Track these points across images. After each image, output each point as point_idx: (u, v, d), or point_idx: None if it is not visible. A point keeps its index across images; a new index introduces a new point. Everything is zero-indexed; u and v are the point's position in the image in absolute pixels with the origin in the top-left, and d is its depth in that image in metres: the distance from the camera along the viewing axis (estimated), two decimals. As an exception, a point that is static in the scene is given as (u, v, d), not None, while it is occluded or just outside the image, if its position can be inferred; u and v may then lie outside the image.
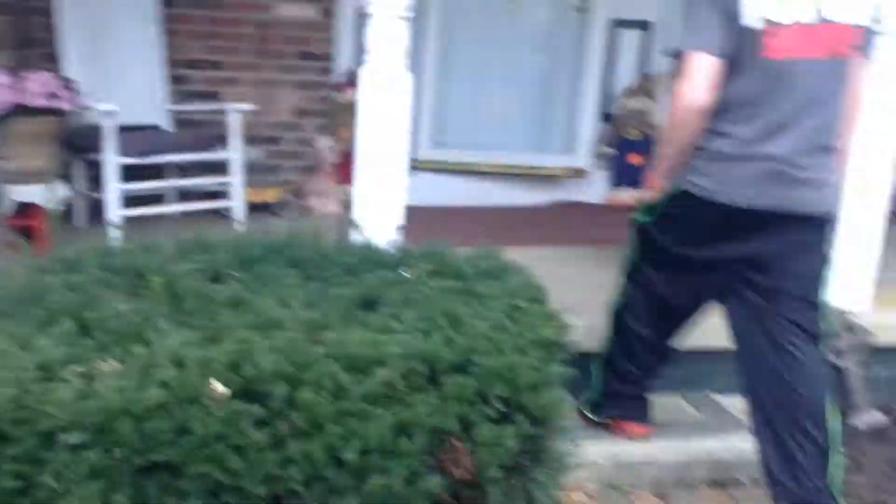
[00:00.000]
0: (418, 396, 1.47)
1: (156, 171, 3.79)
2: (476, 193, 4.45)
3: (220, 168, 3.93)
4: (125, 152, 3.35)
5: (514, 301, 1.77)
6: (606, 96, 4.70)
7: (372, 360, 1.50)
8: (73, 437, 1.26)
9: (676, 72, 2.06)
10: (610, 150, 4.64)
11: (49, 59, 3.81)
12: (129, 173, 3.39)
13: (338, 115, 4.33)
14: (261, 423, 1.40)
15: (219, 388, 1.40)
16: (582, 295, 2.40)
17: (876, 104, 2.43)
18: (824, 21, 1.84)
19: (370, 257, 2.07)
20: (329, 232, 2.31)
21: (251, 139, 4.00)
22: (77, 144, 3.41)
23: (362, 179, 2.46)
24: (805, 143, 1.92)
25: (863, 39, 1.91)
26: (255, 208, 3.87)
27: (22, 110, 3.03)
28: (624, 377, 2.36)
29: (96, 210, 3.47)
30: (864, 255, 2.70)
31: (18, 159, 2.88)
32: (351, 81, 4.35)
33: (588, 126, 4.68)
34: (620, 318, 2.33)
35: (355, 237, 2.37)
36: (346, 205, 4.17)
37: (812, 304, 2.04)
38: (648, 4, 4.56)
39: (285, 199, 4.13)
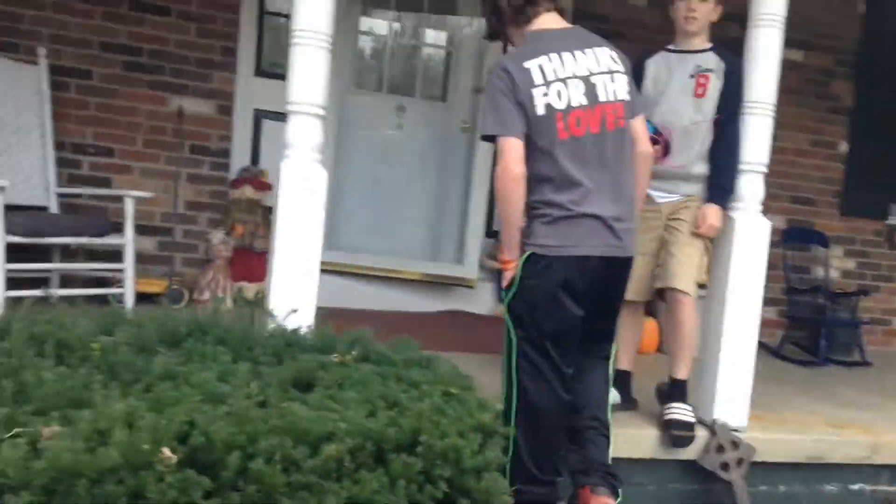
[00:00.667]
0: (367, 474, 1.49)
1: (41, 255, 3.62)
2: (367, 297, 4.51)
3: (108, 255, 3.81)
4: (12, 231, 3.20)
5: (448, 388, 1.84)
6: (491, 215, 4.98)
7: (321, 436, 1.51)
8: (21, 499, 1.19)
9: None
10: (494, 264, 4.87)
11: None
12: (12, 255, 3.23)
13: (233, 211, 4.33)
14: (209, 494, 1.37)
15: (167, 455, 1.37)
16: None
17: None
18: (598, 103, 2.29)
19: (295, 341, 2.09)
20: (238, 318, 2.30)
21: (141, 229, 3.92)
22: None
23: (280, 267, 2.48)
24: (615, 199, 2.32)
25: (627, 110, 2.36)
26: (141, 298, 3.74)
27: None
28: (534, 481, 2.37)
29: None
30: (741, 376, 2.98)
31: None
32: (246, 178, 4.40)
33: (476, 240, 4.91)
34: (523, 410, 2.38)
35: (270, 323, 2.36)
36: (237, 300, 4.15)
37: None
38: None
39: (174, 290, 4.02)
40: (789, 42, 3.01)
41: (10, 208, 3.26)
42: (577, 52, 2.31)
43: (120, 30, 4.14)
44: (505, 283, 2.39)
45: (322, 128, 2.48)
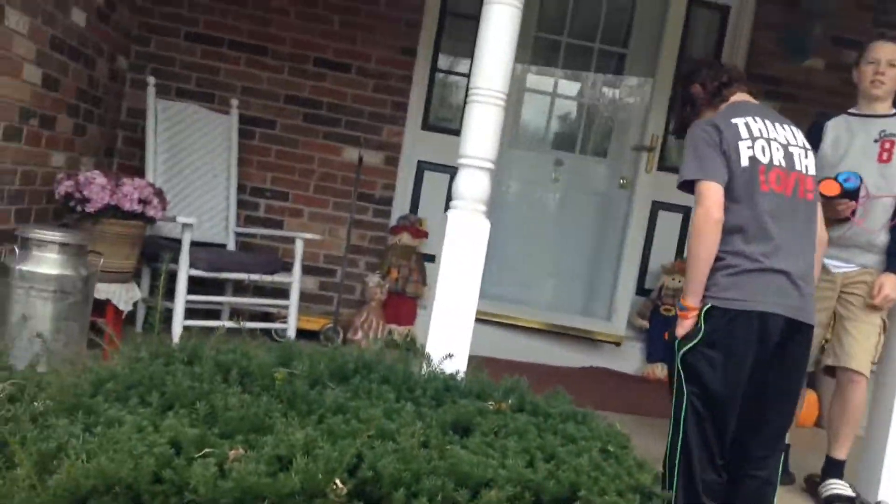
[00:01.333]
0: (525, 522, 1.50)
1: (215, 288, 3.93)
2: (515, 348, 4.54)
3: (275, 291, 4.06)
4: (195, 265, 3.49)
5: (605, 445, 1.83)
6: (644, 272, 4.91)
7: (481, 480, 1.54)
8: (212, 514, 1.29)
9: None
10: (644, 323, 4.77)
11: (129, 170, 4.05)
12: (190, 286, 3.52)
13: (390, 255, 4.51)
14: (376, 527, 1.43)
15: (340, 485, 1.44)
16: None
17: None
18: (794, 170, 2.31)
19: (453, 385, 2.14)
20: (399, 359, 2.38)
21: (305, 269, 4.16)
22: (148, 252, 3.55)
23: (439, 312, 2.56)
24: (800, 261, 2.29)
25: (815, 188, 2.37)
26: (300, 334, 3.96)
27: (113, 211, 3.19)
28: None
29: (155, 316, 3.55)
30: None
31: (104, 258, 3.00)
32: (404, 226, 4.58)
33: (627, 297, 4.84)
34: (680, 467, 2.32)
35: (427, 366, 2.43)
36: (389, 342, 4.29)
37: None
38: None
39: (331, 329, 4.22)
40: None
41: (194, 244, 3.56)
42: (777, 124, 2.38)
43: (304, 84, 4.47)
44: (681, 332, 2.33)
45: (489, 181, 2.57)
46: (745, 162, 2.28)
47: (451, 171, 2.52)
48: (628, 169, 4.93)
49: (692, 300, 2.31)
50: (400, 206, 4.69)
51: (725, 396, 2.26)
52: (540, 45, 4.96)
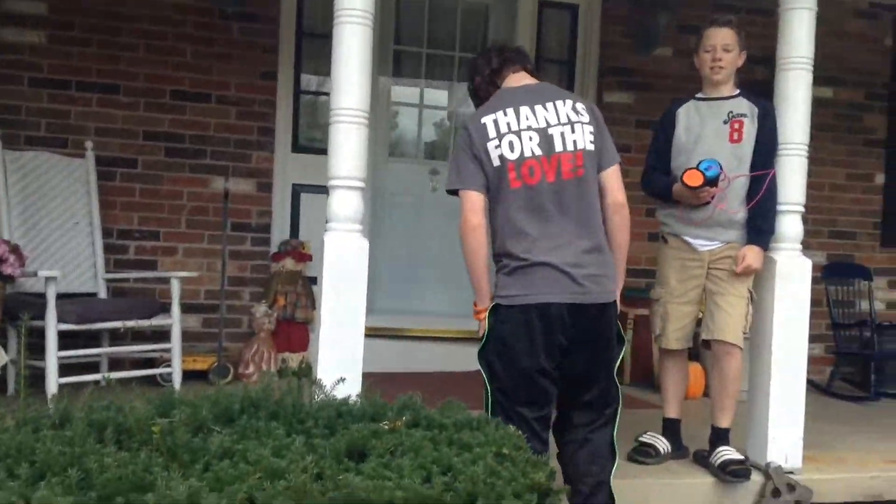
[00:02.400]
0: (427, 540, 1.49)
1: (89, 340, 3.73)
2: (407, 358, 4.53)
3: (155, 335, 3.90)
4: (64, 319, 3.30)
5: (500, 449, 1.84)
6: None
7: (379, 505, 1.52)
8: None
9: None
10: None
11: (-20, 228, 3.79)
12: (62, 341, 3.32)
13: (274, 283, 4.42)
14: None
15: (232, 535, 1.39)
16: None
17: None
18: (554, 153, 2.34)
19: (346, 411, 2.10)
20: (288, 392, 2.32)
21: (186, 307, 4.01)
22: (12, 311, 3.33)
23: (326, 338, 2.52)
24: (575, 247, 2.34)
25: (589, 159, 2.38)
26: (188, 375, 3.81)
27: (-35, 274, 2.98)
28: None
29: (26, 378, 3.34)
30: (792, 417, 2.94)
31: (-41, 323, 2.79)
32: (287, 251, 4.50)
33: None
34: None
35: (318, 393, 2.39)
36: (283, 371, 4.19)
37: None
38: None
39: (219, 366, 4.09)
40: (818, 80, 3.05)
41: (61, 296, 3.37)
42: (537, 107, 2.39)
43: (162, 118, 4.32)
44: (480, 333, 2.44)
45: (362, 199, 2.55)
46: (496, 162, 2.35)
47: (328, 190, 2.50)
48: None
49: (479, 303, 2.45)
50: (279, 232, 4.60)
51: (519, 387, 2.35)
52: (401, 57, 4.99)
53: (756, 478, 2.87)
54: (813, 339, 3.08)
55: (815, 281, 3.07)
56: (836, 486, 2.96)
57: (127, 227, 4.29)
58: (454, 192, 2.41)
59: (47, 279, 3.24)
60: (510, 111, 2.37)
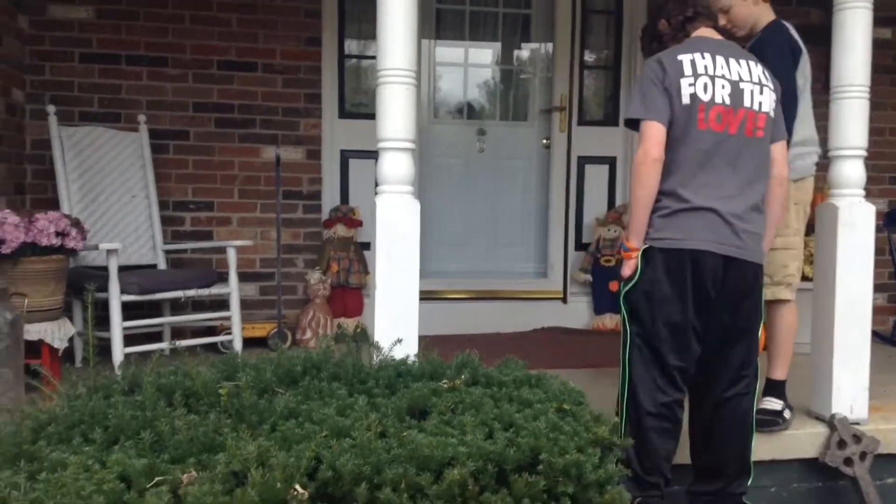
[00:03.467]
0: (491, 496, 1.50)
1: (151, 310, 3.83)
2: (461, 320, 4.54)
3: (214, 304, 3.98)
4: (126, 290, 3.39)
5: (561, 405, 1.84)
6: (580, 228, 4.96)
7: (442, 461, 1.54)
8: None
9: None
10: (587, 277, 4.83)
11: (44, 204, 3.91)
12: (125, 313, 3.42)
13: (327, 250, 4.46)
14: (343, 527, 1.41)
15: (300, 490, 1.42)
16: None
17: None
18: (742, 107, 2.32)
19: (405, 371, 2.13)
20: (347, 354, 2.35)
21: (243, 276, 4.08)
22: (76, 284, 3.43)
23: (382, 300, 2.53)
24: (740, 201, 2.33)
25: (769, 125, 2.38)
26: (247, 343, 3.89)
27: (31, 249, 3.07)
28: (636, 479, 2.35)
29: (93, 348, 3.45)
30: (857, 367, 2.87)
31: (28, 298, 2.89)
32: (337, 217, 4.53)
33: (561, 253, 4.90)
34: (628, 403, 2.39)
35: (376, 355, 2.41)
36: (339, 336, 4.25)
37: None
38: (612, 145, 4.94)
39: (278, 332, 4.16)
40: (876, 21, 2.91)
41: (122, 269, 3.45)
42: (731, 60, 2.37)
43: (211, 89, 4.35)
44: (626, 272, 2.39)
45: (412, 161, 2.54)
46: (685, 100, 2.29)
47: (376, 155, 2.50)
48: (549, 129, 4.96)
49: (634, 241, 2.37)
50: (329, 199, 4.63)
51: (664, 334, 2.32)
52: (444, 17, 4.93)
53: (821, 429, 2.82)
54: (875, 288, 2.98)
55: (877, 229, 2.98)
56: (903, 436, 2.90)
57: (182, 199, 4.36)
58: (634, 125, 2.36)
59: (109, 252, 3.31)
60: (707, 56, 2.35)
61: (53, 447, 1.62)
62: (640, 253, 2.35)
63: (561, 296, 4.83)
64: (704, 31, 2.47)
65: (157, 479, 1.39)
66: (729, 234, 2.30)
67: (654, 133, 2.30)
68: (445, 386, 2.02)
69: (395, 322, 2.51)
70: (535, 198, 5.05)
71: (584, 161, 4.97)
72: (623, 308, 2.41)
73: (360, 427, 1.63)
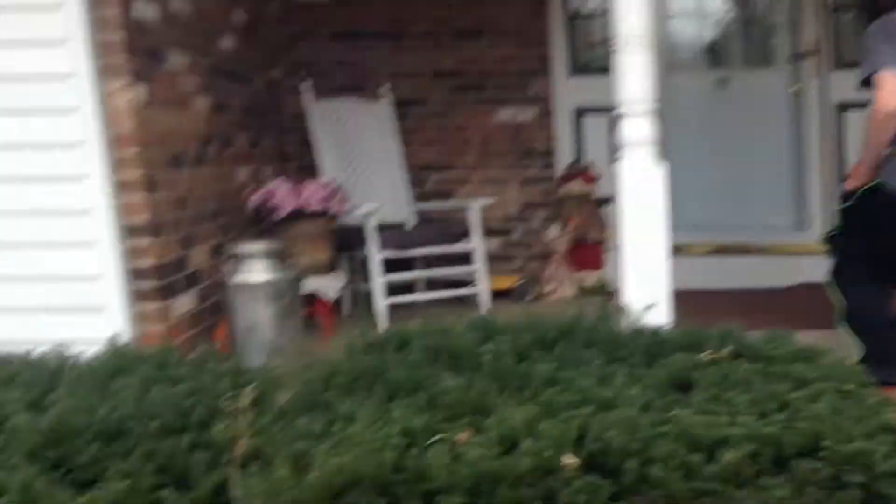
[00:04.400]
0: (772, 480, 1.44)
1: (405, 264, 4.07)
2: (710, 275, 4.34)
3: (461, 259, 4.14)
4: (384, 247, 3.64)
5: (841, 385, 1.70)
6: (842, 179, 4.53)
7: (716, 442, 1.49)
8: (453, 499, 1.34)
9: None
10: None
11: (303, 170, 4.25)
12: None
13: (565, 206, 4.46)
14: (613, 497, 1.42)
15: (570, 460, 1.45)
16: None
17: None
18: None
19: (661, 339, 2.08)
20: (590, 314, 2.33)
21: (485, 232, 4.20)
22: (339, 243, 3.73)
23: (630, 264, 2.49)
24: None
25: None
26: (493, 295, 4.02)
27: (299, 214, 3.37)
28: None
29: (357, 300, 3.82)
30: None
31: (300, 256, 3.20)
32: (574, 173, 4.50)
33: (817, 202, 4.53)
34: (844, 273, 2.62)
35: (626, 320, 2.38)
36: (581, 291, 4.29)
37: None
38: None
39: (522, 286, 4.26)
40: None
41: (378, 228, 3.70)
42: None
43: (446, 57, 4.47)
44: (847, 187, 2.50)
45: (654, 122, 2.47)
46: None
47: (609, 111, 2.46)
48: (799, 75, 4.55)
49: (866, 162, 2.45)
50: (564, 156, 4.61)
51: (876, 253, 2.46)
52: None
53: None
54: None
55: None
56: None
57: (424, 162, 4.55)
58: (867, 84, 2.37)
59: (367, 213, 3.56)
60: None
61: (341, 399, 1.77)
62: (870, 184, 2.43)
63: (821, 250, 4.45)
64: None
65: (437, 437, 1.48)
66: None
67: (888, 82, 2.30)
68: (707, 359, 1.94)
69: (645, 287, 2.46)
70: (787, 147, 4.66)
71: (842, 108, 4.50)
72: (840, 221, 2.60)
73: (623, 400, 1.62)
